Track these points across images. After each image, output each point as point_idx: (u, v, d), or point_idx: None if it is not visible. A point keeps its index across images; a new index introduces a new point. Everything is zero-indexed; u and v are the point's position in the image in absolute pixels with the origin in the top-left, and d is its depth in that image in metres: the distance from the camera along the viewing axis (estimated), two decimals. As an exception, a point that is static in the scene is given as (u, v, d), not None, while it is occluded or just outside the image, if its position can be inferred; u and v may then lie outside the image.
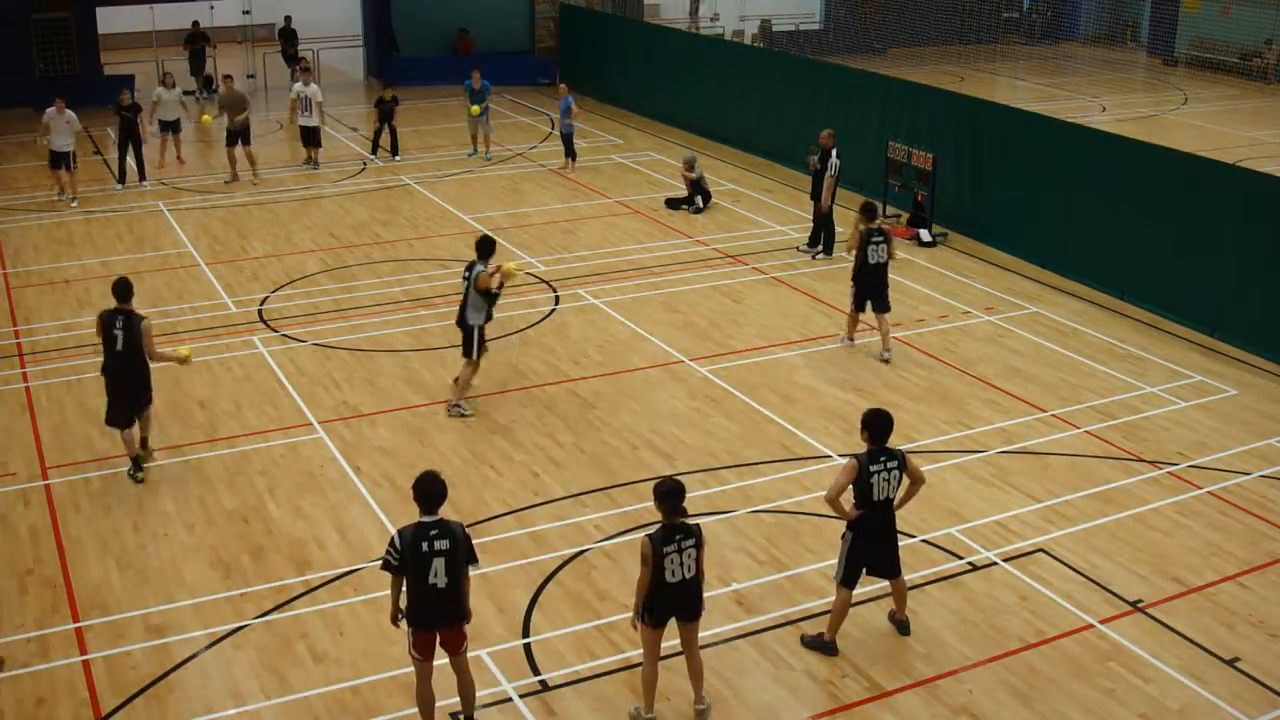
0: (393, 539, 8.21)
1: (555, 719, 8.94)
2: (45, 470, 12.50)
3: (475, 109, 24.71)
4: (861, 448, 9.43)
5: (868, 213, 15.32)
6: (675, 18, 40.78)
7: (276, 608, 10.22)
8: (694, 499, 10.74)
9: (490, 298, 13.39)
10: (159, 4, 33.14)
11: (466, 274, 13.46)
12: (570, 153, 24.48)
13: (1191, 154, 17.48)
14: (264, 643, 9.76)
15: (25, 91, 28.05)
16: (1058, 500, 11.99)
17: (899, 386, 14.52)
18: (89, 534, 11.32)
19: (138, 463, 12.34)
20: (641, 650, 8.82)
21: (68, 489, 12.13)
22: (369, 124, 25.66)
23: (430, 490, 8.19)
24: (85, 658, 9.56)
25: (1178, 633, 9.96)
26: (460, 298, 13.70)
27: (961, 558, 10.99)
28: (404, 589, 8.30)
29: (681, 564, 8.40)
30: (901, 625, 9.92)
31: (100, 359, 12.49)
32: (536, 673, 9.42)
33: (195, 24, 32.95)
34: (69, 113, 21.07)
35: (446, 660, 8.50)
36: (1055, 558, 10.98)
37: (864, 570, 9.57)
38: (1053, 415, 13.82)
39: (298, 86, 23.96)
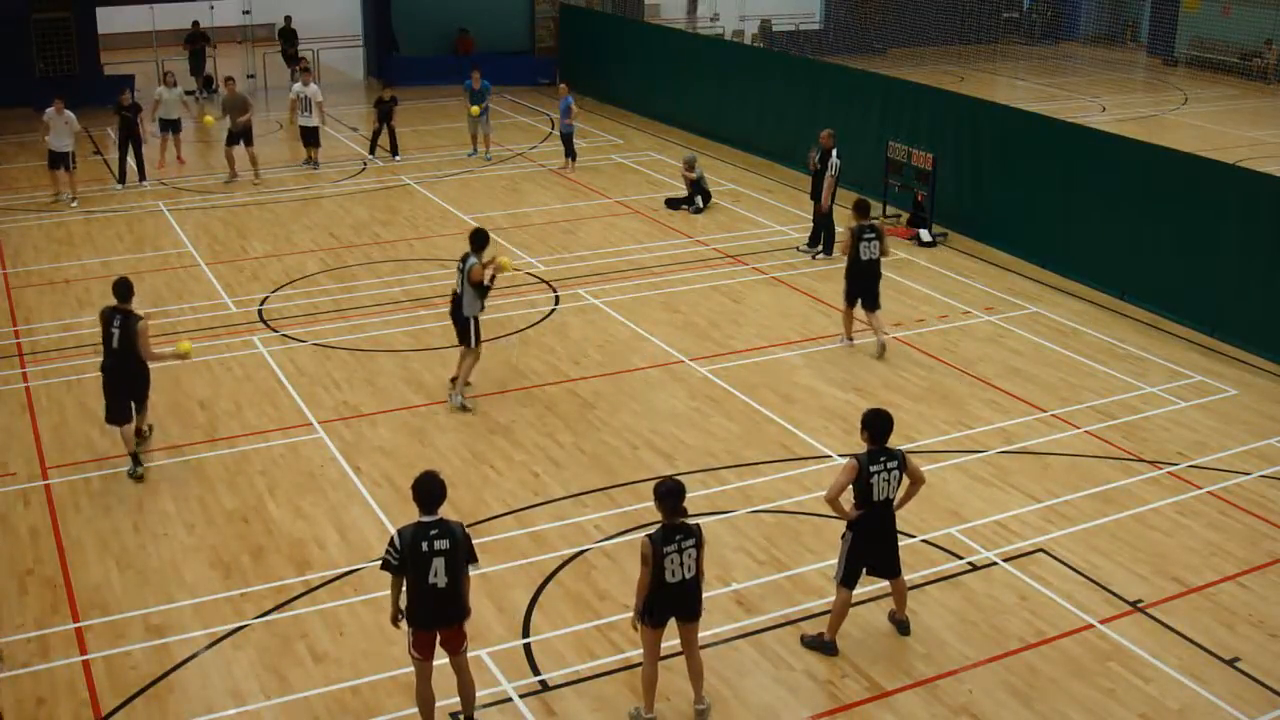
0: (392, 539, 8.21)
1: (555, 719, 8.94)
2: (45, 470, 12.50)
3: (475, 109, 24.71)
4: (861, 448, 9.43)
5: (860, 209, 15.42)
6: (675, 18, 40.82)
7: (276, 608, 10.22)
8: (694, 499, 10.73)
9: (483, 290, 13.55)
10: (159, 4, 33.14)
11: (460, 265, 13.57)
12: (570, 153, 24.49)
13: (1191, 154, 17.48)
14: (264, 643, 9.76)
15: (25, 91, 28.05)
16: (1058, 500, 11.99)
17: (899, 386, 14.52)
18: (89, 534, 11.32)
19: (136, 459, 12.36)
20: (641, 650, 8.82)
21: (68, 489, 12.13)
22: (369, 124, 25.65)
23: (430, 490, 8.19)
24: (85, 658, 9.56)
25: (1178, 633, 9.96)
26: (452, 288, 13.87)
27: (961, 558, 10.99)
28: (404, 589, 8.31)
29: (682, 564, 8.40)
30: (901, 625, 9.92)
31: (101, 357, 12.59)
32: (536, 673, 9.42)
33: (195, 24, 32.96)
34: (68, 113, 21.07)
35: (446, 660, 8.50)
36: (1055, 558, 10.98)
37: (864, 570, 9.57)
38: (1053, 415, 13.82)
39: (297, 87, 23.97)
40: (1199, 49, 38.01)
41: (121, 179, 22.85)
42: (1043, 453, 12.97)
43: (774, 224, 20.93)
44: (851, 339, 15.74)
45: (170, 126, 23.99)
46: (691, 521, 8.54)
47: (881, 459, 9.30)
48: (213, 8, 33.52)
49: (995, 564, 10.89)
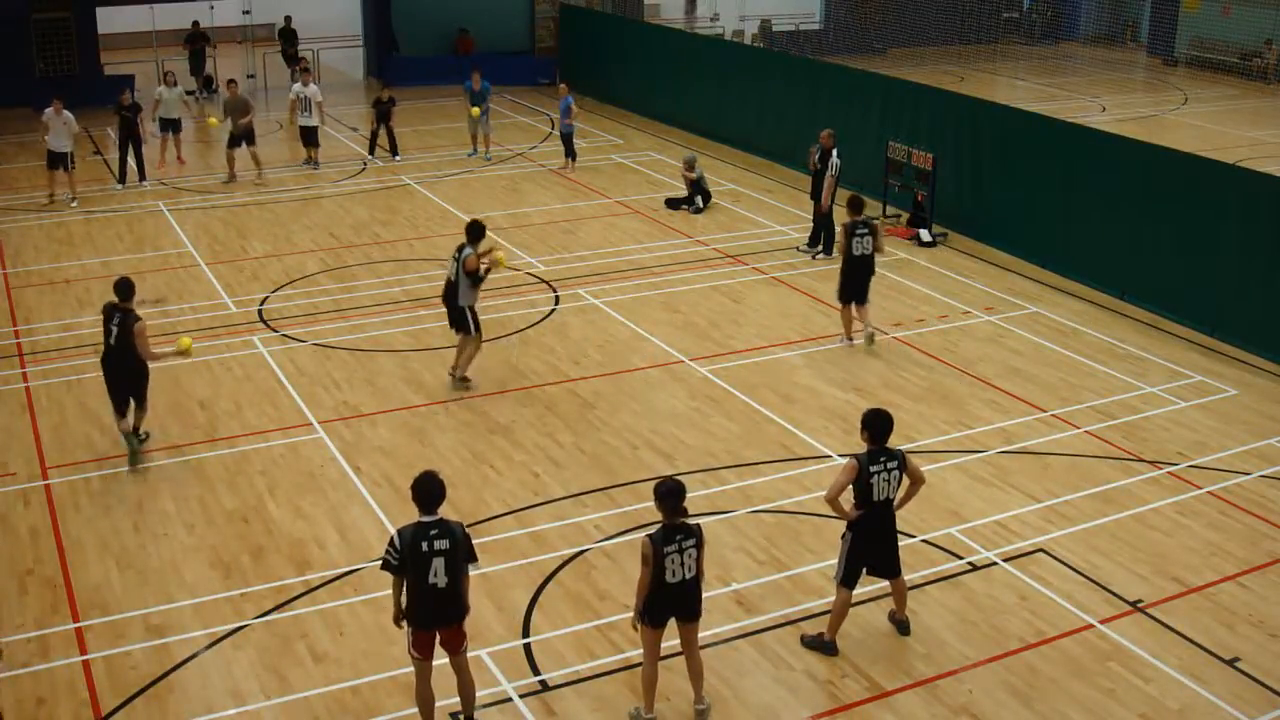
0: (392, 539, 8.21)
1: (555, 719, 8.94)
2: (45, 470, 12.50)
3: (476, 110, 24.72)
4: (861, 448, 9.43)
5: (854, 205, 15.55)
6: (675, 18, 40.84)
7: (276, 608, 10.22)
8: (694, 499, 10.73)
9: (477, 279, 13.88)
10: (159, 4, 33.15)
11: (456, 255, 13.91)
12: (570, 153, 24.49)
13: (1191, 154, 17.48)
14: (264, 643, 9.76)
15: (25, 91, 28.04)
16: (1058, 500, 11.99)
17: (899, 386, 14.52)
18: (89, 534, 11.32)
19: (134, 455, 12.49)
20: (641, 650, 8.82)
21: (68, 489, 12.13)
22: (368, 124, 25.67)
23: (429, 490, 8.19)
24: (85, 658, 9.56)
25: (1178, 633, 9.96)
26: (446, 277, 14.21)
27: (961, 558, 10.99)
28: (404, 589, 8.31)
29: (682, 564, 8.40)
30: (901, 625, 9.92)
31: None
32: (536, 673, 9.42)
33: (195, 24, 32.96)
34: (66, 114, 21.07)
35: (446, 660, 8.50)
36: (1055, 558, 10.98)
37: (864, 570, 9.57)
38: (1053, 415, 13.82)
39: (297, 87, 23.99)
40: (1199, 49, 38.01)
41: (121, 179, 22.85)
42: (1043, 453, 12.97)
43: (774, 224, 20.93)
44: (852, 339, 15.74)
45: (170, 126, 24.00)
46: (692, 521, 8.54)
47: (881, 459, 9.30)
48: (213, 8, 33.52)
49: (995, 564, 10.89)
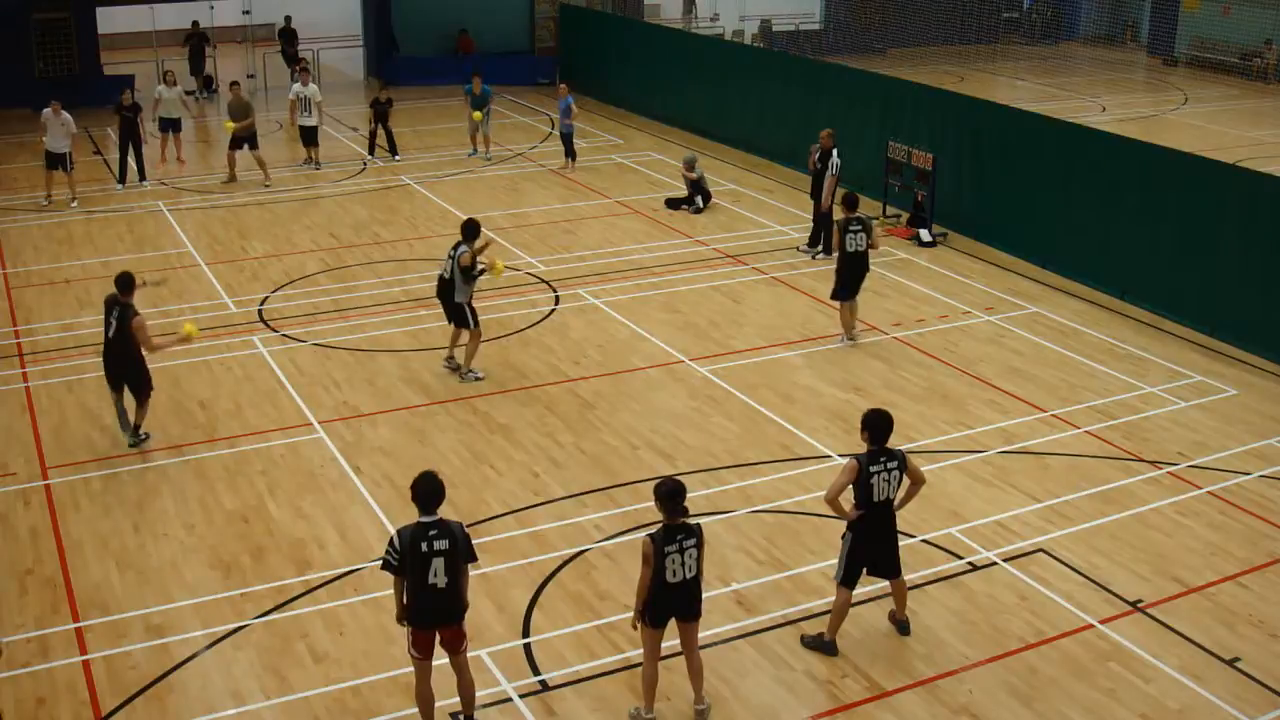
0: (392, 539, 8.21)
1: (555, 719, 8.94)
2: (45, 470, 12.50)
3: (478, 115, 24.75)
4: (861, 448, 9.43)
5: (848, 203, 15.69)
6: (675, 18, 40.85)
7: (276, 608, 10.22)
8: (694, 499, 10.73)
9: (470, 275, 14.13)
10: (159, 4, 33.15)
11: (452, 253, 14.19)
12: (570, 153, 24.49)
13: (1191, 154, 17.49)
14: (264, 643, 9.76)
15: (25, 91, 28.05)
16: (1058, 500, 11.99)
17: (899, 386, 14.52)
18: (89, 534, 11.32)
19: (134, 437, 12.84)
20: (641, 650, 8.82)
21: (68, 489, 12.13)
22: (367, 124, 25.67)
23: (429, 490, 8.19)
24: (85, 658, 9.56)
25: (1178, 633, 9.96)
26: (440, 274, 14.48)
27: (961, 558, 10.99)
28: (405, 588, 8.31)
29: (683, 564, 8.40)
30: (901, 625, 9.92)
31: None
32: (536, 673, 9.42)
33: (195, 24, 32.96)
34: (65, 114, 21.08)
35: (446, 660, 8.50)
36: (1055, 558, 10.98)
37: (864, 570, 9.57)
38: (1053, 415, 13.82)
39: (296, 87, 24.00)
40: (1199, 49, 38.02)
41: (122, 179, 22.85)
42: (1043, 453, 12.97)
43: (774, 224, 20.93)
44: (853, 338, 15.74)
45: (170, 126, 24.01)
46: (693, 521, 8.54)
47: (882, 459, 9.30)
48: (213, 8, 33.54)
49: (995, 564, 10.89)
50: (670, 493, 8.41)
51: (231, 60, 34.29)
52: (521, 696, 9.14)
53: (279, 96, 30.06)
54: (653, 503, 8.58)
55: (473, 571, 8.43)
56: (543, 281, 17.96)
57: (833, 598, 9.70)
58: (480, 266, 14.33)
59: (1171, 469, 12.64)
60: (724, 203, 22.05)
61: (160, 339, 13.06)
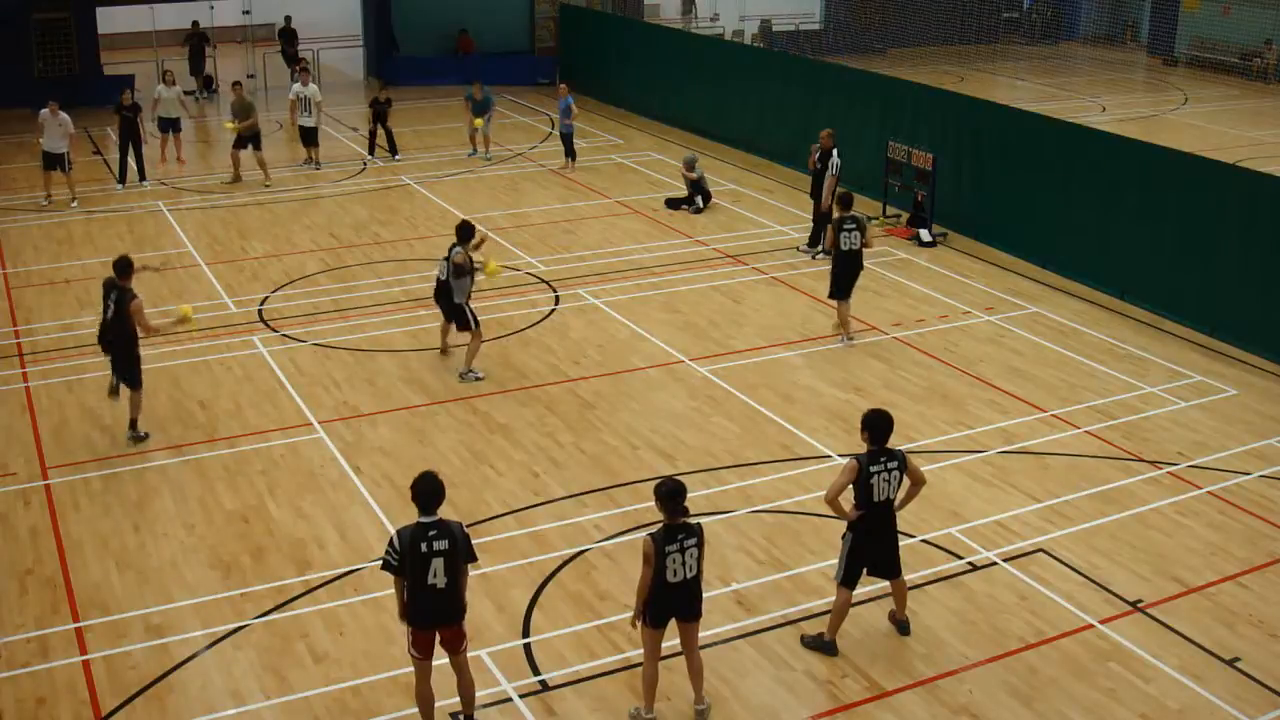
0: (392, 539, 8.21)
1: (555, 719, 8.94)
2: (45, 470, 12.50)
3: (479, 121, 24.77)
4: (862, 448, 9.43)
5: (843, 202, 15.82)
6: (675, 18, 40.85)
7: (276, 608, 10.22)
8: (694, 499, 10.72)
9: (463, 273, 14.26)
10: (159, 4, 33.15)
11: (447, 255, 14.36)
12: (570, 153, 24.49)
13: (1191, 154, 17.49)
14: (264, 643, 9.75)
15: (25, 91, 28.04)
16: (1058, 500, 11.99)
17: (899, 386, 14.52)
18: (89, 534, 11.32)
19: (131, 425, 13.05)
20: (642, 650, 8.82)
21: (68, 489, 12.13)
22: (367, 124, 25.68)
23: (429, 491, 8.19)
24: (85, 658, 9.56)
25: (1178, 633, 9.96)
26: (436, 277, 14.64)
27: (961, 558, 10.99)
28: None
29: (684, 563, 8.40)
30: (901, 625, 9.92)
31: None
32: (536, 673, 9.42)
33: (195, 24, 32.96)
34: (63, 115, 21.08)
35: (446, 660, 8.50)
36: (1055, 558, 10.98)
37: (864, 570, 9.57)
38: (1053, 415, 13.82)
39: (296, 87, 24.01)
40: (1199, 49, 38.01)
41: (122, 179, 22.85)
42: (1043, 453, 12.97)
43: (774, 224, 20.93)
44: (851, 337, 15.75)
45: (170, 126, 24.02)
46: (693, 521, 8.54)
47: (882, 459, 9.30)
48: (213, 8, 33.53)
49: (995, 564, 10.89)
50: (671, 492, 8.41)
51: (231, 60, 34.29)
52: (521, 696, 9.14)
53: (279, 96, 30.05)
54: (653, 503, 8.58)
55: (473, 571, 8.43)
56: (543, 281, 17.96)
57: (833, 598, 9.70)
58: (477, 267, 14.39)
59: (1171, 469, 12.64)
60: (724, 203, 22.05)
61: (158, 321, 13.38)
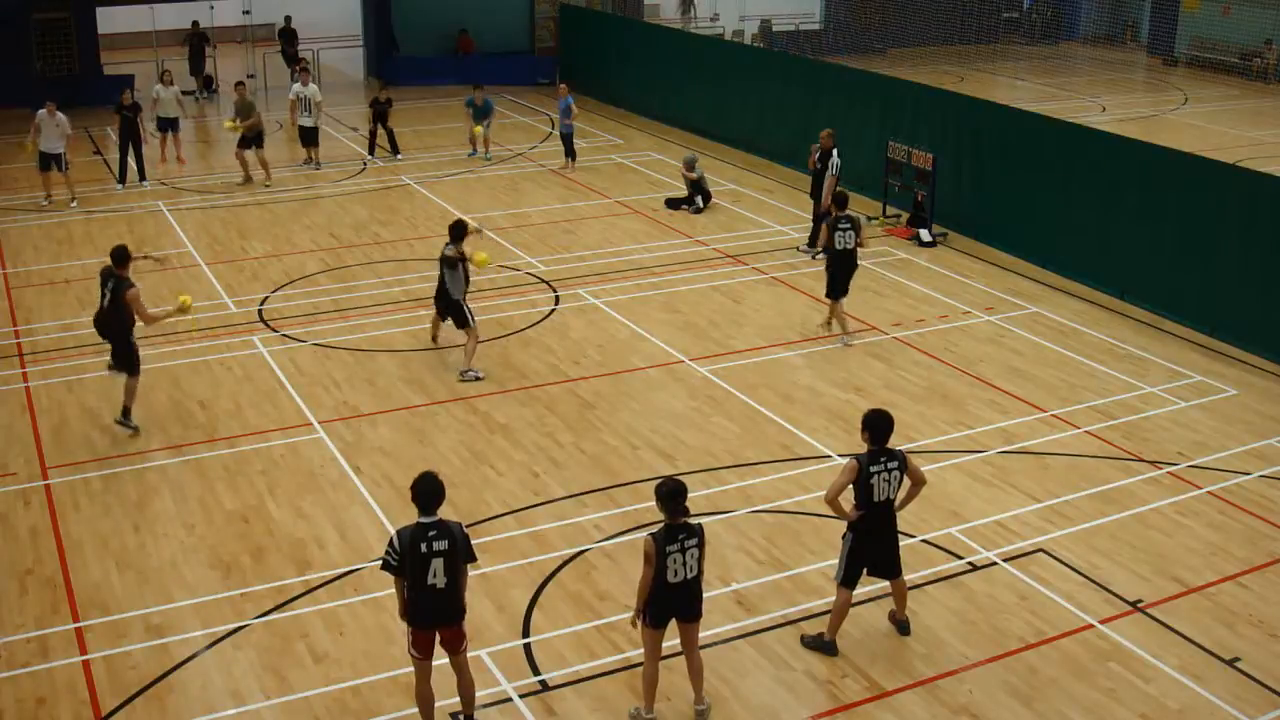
0: (391, 540, 8.20)
1: (555, 719, 8.94)
2: (45, 470, 12.50)
3: (479, 129, 24.79)
4: (862, 448, 9.43)
5: (838, 201, 15.95)
6: (675, 18, 40.85)
7: (276, 608, 10.22)
8: (694, 499, 10.71)
9: (455, 267, 14.35)
10: (159, 4, 33.15)
11: (441, 256, 14.53)
12: (570, 153, 24.50)
13: (1191, 154, 17.49)
14: (264, 643, 9.75)
15: (25, 91, 28.02)
16: (1058, 500, 11.99)
17: (899, 386, 14.52)
18: (89, 534, 11.32)
19: (125, 412, 13.14)
20: (642, 650, 8.82)
21: (68, 489, 12.13)
22: (367, 124, 25.68)
23: (428, 491, 8.19)
24: (85, 658, 9.56)
25: (1178, 633, 9.96)
26: (439, 278, 14.70)
27: (961, 558, 10.99)
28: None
29: (684, 564, 8.40)
30: (901, 625, 9.92)
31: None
32: (536, 673, 9.42)
33: (195, 24, 32.97)
34: (60, 115, 21.10)
35: (446, 660, 8.50)
36: (1055, 558, 10.98)
37: (864, 570, 9.57)
38: (1053, 415, 13.82)
39: (296, 87, 24.01)
40: (1199, 49, 38.01)
41: (122, 179, 22.85)
42: (1043, 453, 12.97)
43: (774, 224, 20.93)
44: (850, 334, 15.76)
45: (168, 125, 24.03)
46: (694, 521, 8.54)
47: (882, 460, 9.30)
48: (213, 8, 33.52)
49: (995, 564, 10.89)
50: (672, 492, 8.41)
51: (231, 60, 34.28)
52: (521, 696, 9.14)
53: (279, 96, 30.05)
54: (653, 503, 8.58)
55: (472, 571, 8.43)
56: (543, 281, 17.96)
57: (833, 598, 9.70)
58: (464, 255, 14.50)
59: (1171, 469, 12.64)
60: (724, 203, 22.05)
61: (156, 310, 13.48)
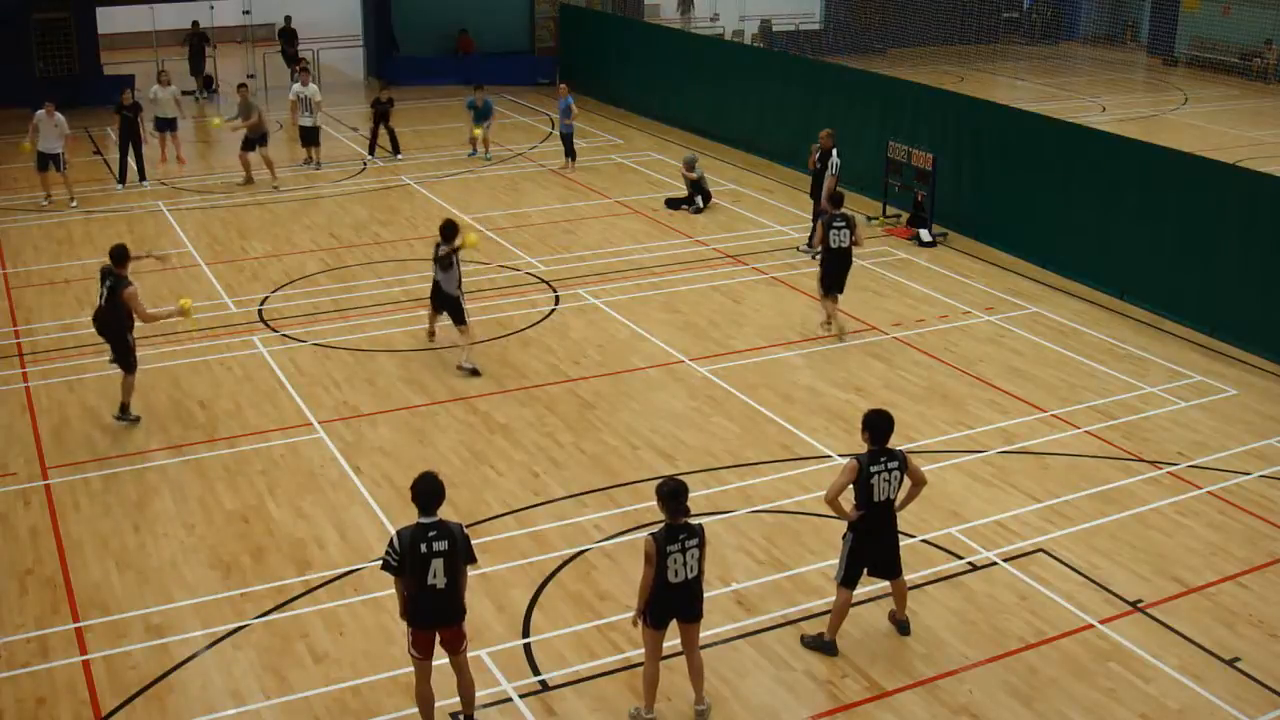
0: (391, 540, 8.20)
1: (555, 719, 8.94)
2: (45, 470, 12.50)
3: (479, 130, 24.80)
4: (862, 448, 9.43)
5: (834, 201, 16.12)
6: (675, 18, 40.86)
7: (276, 608, 10.22)
8: (694, 499, 10.70)
9: (448, 265, 14.48)
10: (159, 4, 33.15)
11: (434, 256, 14.69)
12: (570, 153, 24.50)
13: (1191, 154, 17.49)
14: (264, 643, 9.76)
15: (25, 91, 28.00)
16: (1058, 500, 11.99)
17: (899, 386, 14.52)
18: (89, 534, 11.32)
19: (123, 408, 13.26)
20: (642, 650, 8.82)
21: (68, 489, 12.13)
22: (368, 124, 25.68)
23: (428, 491, 8.19)
24: (85, 658, 9.56)
25: (1178, 633, 9.96)
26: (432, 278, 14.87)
27: (961, 558, 10.99)
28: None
29: (685, 564, 8.40)
30: (901, 625, 9.92)
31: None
32: (536, 673, 9.42)
33: (195, 24, 32.97)
34: (59, 115, 21.10)
35: (446, 660, 8.50)
36: (1055, 558, 10.98)
37: (864, 571, 9.57)
38: (1053, 415, 13.82)
39: (296, 87, 24.02)
40: (1199, 49, 38.02)
41: (121, 179, 22.85)
42: (1043, 453, 12.97)
43: (774, 224, 20.93)
44: (842, 327, 15.82)
45: (166, 126, 24.02)
46: (695, 521, 8.54)
47: (882, 460, 9.30)
48: (213, 8, 33.53)
49: (995, 564, 10.89)
50: (672, 492, 8.41)
51: (231, 60, 34.29)
52: (521, 696, 9.14)
53: (279, 96, 30.04)
54: (653, 503, 8.58)
55: (472, 572, 8.42)
56: (543, 281, 17.96)
57: (833, 598, 9.70)
58: (456, 247, 14.58)
59: (1171, 469, 12.64)
60: (724, 203, 22.05)
61: (155, 310, 13.52)
